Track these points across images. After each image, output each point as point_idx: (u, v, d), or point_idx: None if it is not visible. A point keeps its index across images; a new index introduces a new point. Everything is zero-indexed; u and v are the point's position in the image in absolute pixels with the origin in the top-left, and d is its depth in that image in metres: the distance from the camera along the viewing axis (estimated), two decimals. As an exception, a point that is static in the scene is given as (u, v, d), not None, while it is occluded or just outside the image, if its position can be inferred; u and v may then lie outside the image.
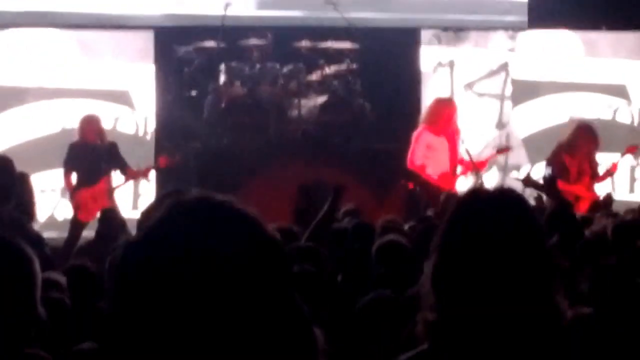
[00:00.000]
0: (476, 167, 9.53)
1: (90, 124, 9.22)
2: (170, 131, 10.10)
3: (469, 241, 2.40)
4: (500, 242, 2.38)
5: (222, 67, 10.08)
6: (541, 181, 7.63)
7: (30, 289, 2.74)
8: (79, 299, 4.99)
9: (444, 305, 2.38)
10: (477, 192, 2.75)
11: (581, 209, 8.76)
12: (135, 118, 10.53)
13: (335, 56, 10.42)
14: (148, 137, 10.33)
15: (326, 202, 6.39)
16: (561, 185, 8.32)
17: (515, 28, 11.29)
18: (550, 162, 9.53)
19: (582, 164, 9.59)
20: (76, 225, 8.96)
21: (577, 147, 9.69)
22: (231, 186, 8.65)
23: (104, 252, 5.62)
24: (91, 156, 9.10)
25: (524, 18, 11.26)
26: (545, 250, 2.47)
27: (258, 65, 10.11)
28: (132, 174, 9.12)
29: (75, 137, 9.28)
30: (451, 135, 9.26)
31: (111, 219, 7.34)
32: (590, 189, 9.60)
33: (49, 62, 10.65)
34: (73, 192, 9.16)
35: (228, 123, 10.01)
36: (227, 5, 9.98)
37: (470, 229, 2.41)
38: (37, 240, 6.13)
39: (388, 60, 10.47)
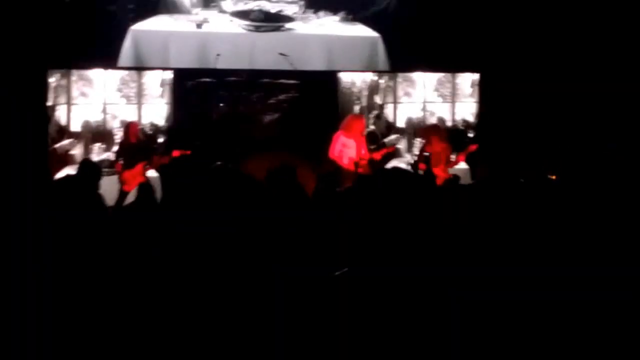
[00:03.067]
0: (373, 158, 10.92)
1: (132, 129, 10.88)
2: (182, 135, 11.58)
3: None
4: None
5: (215, 94, 12.22)
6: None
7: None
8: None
9: None
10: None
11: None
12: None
13: (285, 88, 12.46)
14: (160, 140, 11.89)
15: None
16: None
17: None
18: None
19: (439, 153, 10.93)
20: (122, 194, 10.28)
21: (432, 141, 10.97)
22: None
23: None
24: (132, 150, 10.64)
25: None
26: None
27: (237, 94, 12.26)
28: (156, 161, 10.41)
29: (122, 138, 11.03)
30: (358, 139, 10.79)
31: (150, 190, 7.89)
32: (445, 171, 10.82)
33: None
34: (120, 173, 10.54)
35: (219, 130, 11.94)
36: (217, 56, 11.79)
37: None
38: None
39: (317, 90, 12.41)
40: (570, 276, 4.57)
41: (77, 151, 11.82)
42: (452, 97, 13.27)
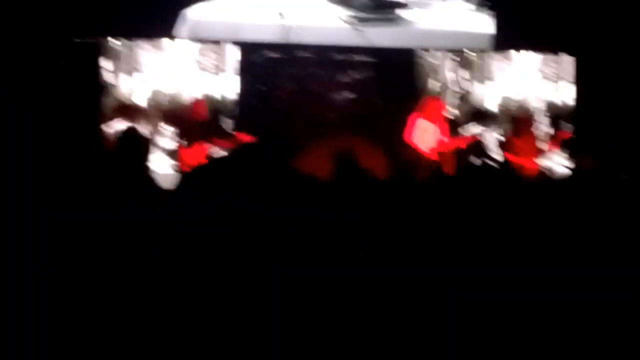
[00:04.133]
0: (454, 145, 10.68)
1: (198, 106, 10.86)
2: (249, 114, 11.44)
3: None
4: None
5: (283, 70, 11.88)
6: None
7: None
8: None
9: None
10: None
11: None
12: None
13: (359, 66, 12.05)
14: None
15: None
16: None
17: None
18: None
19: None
20: (180, 175, 9.39)
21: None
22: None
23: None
24: (196, 128, 10.62)
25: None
26: None
27: (307, 70, 11.92)
28: (221, 143, 9.99)
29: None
30: (438, 123, 10.83)
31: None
32: None
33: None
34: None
35: (288, 109, 11.76)
36: (281, 15, 10.95)
37: None
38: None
39: (394, 69, 11.98)
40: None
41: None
42: (557, 78, 12.50)
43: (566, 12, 11.54)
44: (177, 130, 10.89)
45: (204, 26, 11.19)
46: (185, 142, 10.62)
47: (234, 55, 11.94)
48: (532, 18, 11.36)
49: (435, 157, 10.51)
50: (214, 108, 11.33)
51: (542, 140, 11.04)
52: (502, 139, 10.67)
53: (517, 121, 11.16)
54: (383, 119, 11.76)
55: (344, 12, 11.06)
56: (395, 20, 11.23)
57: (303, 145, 10.75)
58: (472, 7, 11.62)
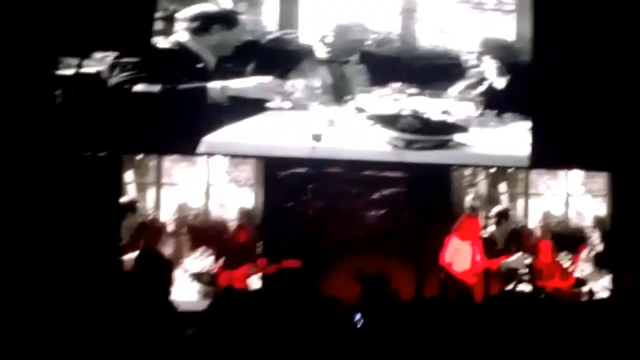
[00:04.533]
0: (490, 266, 10.64)
1: (242, 229, 10.72)
2: (271, 232, 11.15)
3: None
4: None
5: (309, 187, 11.48)
6: None
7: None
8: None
9: None
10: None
11: None
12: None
13: (390, 182, 11.68)
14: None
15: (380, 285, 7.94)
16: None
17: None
18: None
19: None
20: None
21: None
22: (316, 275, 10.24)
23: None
24: (237, 250, 10.56)
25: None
26: None
27: (335, 187, 11.53)
28: (262, 267, 10.32)
29: None
30: (474, 242, 10.64)
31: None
32: None
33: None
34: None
35: (313, 228, 11.31)
36: (314, 148, 10.59)
37: None
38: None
39: (428, 185, 11.57)
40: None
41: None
42: (606, 192, 12.11)
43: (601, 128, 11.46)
44: (214, 253, 10.66)
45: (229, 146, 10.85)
46: (222, 265, 10.46)
47: (259, 169, 11.73)
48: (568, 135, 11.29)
49: (469, 280, 10.29)
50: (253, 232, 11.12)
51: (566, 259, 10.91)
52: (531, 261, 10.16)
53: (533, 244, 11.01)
54: (416, 238, 11.38)
55: (388, 134, 10.32)
56: (441, 144, 10.48)
57: (329, 265, 10.80)
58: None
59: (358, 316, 7.55)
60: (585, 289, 10.76)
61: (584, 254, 11.19)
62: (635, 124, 11.62)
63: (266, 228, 11.34)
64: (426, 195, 11.74)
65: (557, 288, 10.29)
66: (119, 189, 10.88)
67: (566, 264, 10.93)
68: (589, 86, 11.48)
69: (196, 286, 10.47)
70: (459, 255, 10.53)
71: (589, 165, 11.87)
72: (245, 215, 11.35)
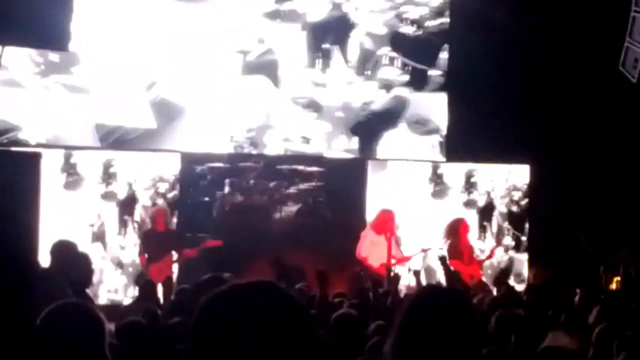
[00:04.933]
0: (405, 260, 10.73)
1: (159, 216, 10.39)
2: (189, 226, 11.06)
3: (423, 329, 2.69)
4: (445, 330, 2.68)
5: (227, 181, 11.51)
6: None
7: (103, 341, 2.99)
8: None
9: None
10: (430, 291, 3.23)
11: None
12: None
13: (306, 176, 11.76)
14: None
15: (297, 278, 8.01)
16: (456, 265, 10.23)
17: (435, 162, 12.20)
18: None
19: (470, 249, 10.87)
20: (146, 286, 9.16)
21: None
22: (232, 268, 9.44)
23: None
24: (159, 240, 10.24)
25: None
26: (473, 336, 2.75)
27: (252, 181, 11.57)
28: (185, 253, 10.09)
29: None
30: (389, 236, 10.51)
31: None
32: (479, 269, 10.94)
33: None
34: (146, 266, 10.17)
35: (230, 222, 11.35)
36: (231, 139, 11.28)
37: (424, 321, 2.70)
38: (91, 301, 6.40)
39: (342, 180, 11.75)
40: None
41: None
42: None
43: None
44: (141, 243, 10.52)
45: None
46: (148, 255, 10.23)
47: (175, 164, 11.53)
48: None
49: (383, 272, 10.08)
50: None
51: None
52: (444, 253, 10.24)
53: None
54: (331, 231, 11.52)
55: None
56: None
57: (247, 259, 10.52)
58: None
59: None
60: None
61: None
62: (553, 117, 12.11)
63: (185, 222, 11.22)
64: (342, 189, 11.85)
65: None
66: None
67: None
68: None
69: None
70: (375, 249, 10.51)
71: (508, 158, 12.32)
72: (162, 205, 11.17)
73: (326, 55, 12.04)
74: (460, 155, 12.28)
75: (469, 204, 12.35)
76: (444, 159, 12.37)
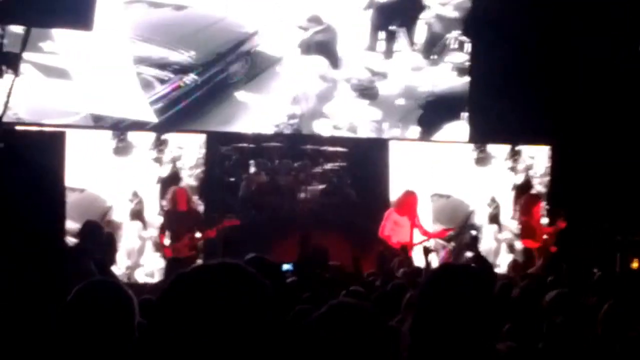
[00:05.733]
0: (432, 236, 10.91)
1: (180, 195, 10.28)
2: (214, 206, 11.12)
3: (440, 305, 2.64)
4: (464, 308, 2.63)
5: (252, 161, 11.61)
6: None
7: (133, 319, 3.02)
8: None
9: (419, 347, 2.65)
10: (447, 268, 3.11)
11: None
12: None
13: (331, 156, 11.88)
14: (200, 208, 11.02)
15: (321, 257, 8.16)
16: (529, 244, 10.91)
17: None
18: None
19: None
20: (172, 264, 9.84)
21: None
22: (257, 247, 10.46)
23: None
24: (181, 219, 10.17)
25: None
26: (493, 312, 2.70)
27: (277, 161, 11.66)
28: (207, 232, 10.04)
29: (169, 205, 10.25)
30: (412, 217, 10.61)
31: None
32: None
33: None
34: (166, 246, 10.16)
35: (255, 202, 11.47)
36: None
37: (441, 298, 2.65)
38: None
39: (367, 160, 11.91)
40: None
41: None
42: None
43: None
44: (162, 223, 10.54)
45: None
46: (170, 233, 10.22)
47: (199, 145, 11.59)
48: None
49: (407, 252, 10.06)
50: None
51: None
52: (477, 234, 10.33)
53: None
54: (355, 211, 11.67)
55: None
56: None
57: (272, 239, 10.69)
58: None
59: (288, 267, 8.44)
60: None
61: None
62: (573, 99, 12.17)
63: (211, 202, 11.27)
64: (366, 169, 11.96)
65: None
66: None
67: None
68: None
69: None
70: (398, 229, 10.57)
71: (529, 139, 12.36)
72: (183, 184, 11.16)
73: (390, 38, 11.91)
74: (482, 138, 12.40)
75: (514, 170, 12.50)
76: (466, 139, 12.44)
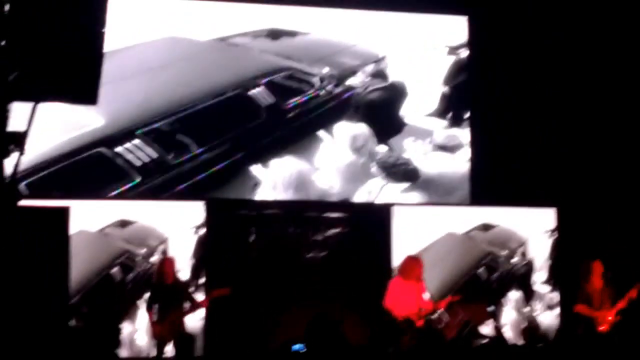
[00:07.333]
0: (436, 307, 10.42)
1: (167, 266, 10.04)
2: (215, 274, 11.02)
3: None
4: None
5: (253, 229, 11.52)
6: None
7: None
8: None
9: None
10: None
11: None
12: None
13: (332, 222, 11.84)
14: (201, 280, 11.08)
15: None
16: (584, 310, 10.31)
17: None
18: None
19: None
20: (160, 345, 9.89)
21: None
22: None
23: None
24: (168, 293, 9.96)
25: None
26: None
27: (277, 228, 11.54)
28: (197, 304, 9.96)
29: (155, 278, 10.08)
30: (417, 284, 10.31)
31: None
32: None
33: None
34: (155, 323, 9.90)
35: (256, 268, 11.32)
36: (255, 185, 11.44)
37: None
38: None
39: (367, 226, 11.84)
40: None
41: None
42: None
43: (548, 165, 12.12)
44: (149, 298, 10.20)
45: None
46: (157, 309, 9.97)
47: (199, 211, 11.47)
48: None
49: (415, 323, 10.03)
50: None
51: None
52: (493, 309, 10.10)
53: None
54: (358, 278, 11.56)
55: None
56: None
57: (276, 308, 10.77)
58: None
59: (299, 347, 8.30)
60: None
61: None
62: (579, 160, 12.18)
63: (211, 270, 11.21)
64: (367, 235, 11.85)
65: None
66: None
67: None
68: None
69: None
70: (403, 297, 10.24)
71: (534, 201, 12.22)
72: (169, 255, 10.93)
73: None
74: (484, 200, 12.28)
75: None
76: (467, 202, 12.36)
